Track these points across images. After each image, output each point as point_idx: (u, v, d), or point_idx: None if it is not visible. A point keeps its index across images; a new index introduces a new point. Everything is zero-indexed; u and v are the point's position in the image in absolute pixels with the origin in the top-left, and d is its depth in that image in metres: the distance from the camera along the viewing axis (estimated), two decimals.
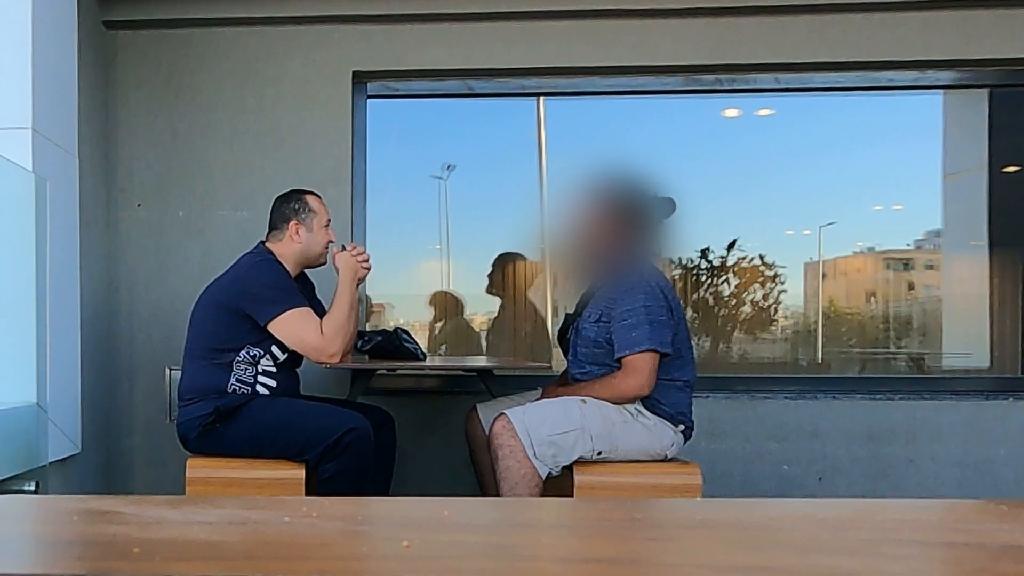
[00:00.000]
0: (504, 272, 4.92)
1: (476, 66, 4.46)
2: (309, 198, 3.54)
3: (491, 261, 4.90)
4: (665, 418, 3.29)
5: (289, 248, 3.47)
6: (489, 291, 4.92)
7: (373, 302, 4.89)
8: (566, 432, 3.17)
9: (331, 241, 3.54)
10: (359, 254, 3.46)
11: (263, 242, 3.53)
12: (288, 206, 3.52)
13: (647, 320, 3.17)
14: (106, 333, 4.40)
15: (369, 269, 3.51)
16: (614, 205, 3.44)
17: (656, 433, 3.27)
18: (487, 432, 3.55)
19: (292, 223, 3.47)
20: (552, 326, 4.95)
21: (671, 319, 3.23)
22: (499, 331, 5.02)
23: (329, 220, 3.55)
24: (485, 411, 3.62)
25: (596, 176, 3.60)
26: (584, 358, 3.37)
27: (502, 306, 4.96)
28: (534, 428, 3.15)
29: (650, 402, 3.27)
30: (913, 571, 0.89)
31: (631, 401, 3.25)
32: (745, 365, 4.98)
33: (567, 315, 3.65)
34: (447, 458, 4.29)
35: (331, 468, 3.21)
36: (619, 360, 3.23)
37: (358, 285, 3.47)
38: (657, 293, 3.22)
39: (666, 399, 3.28)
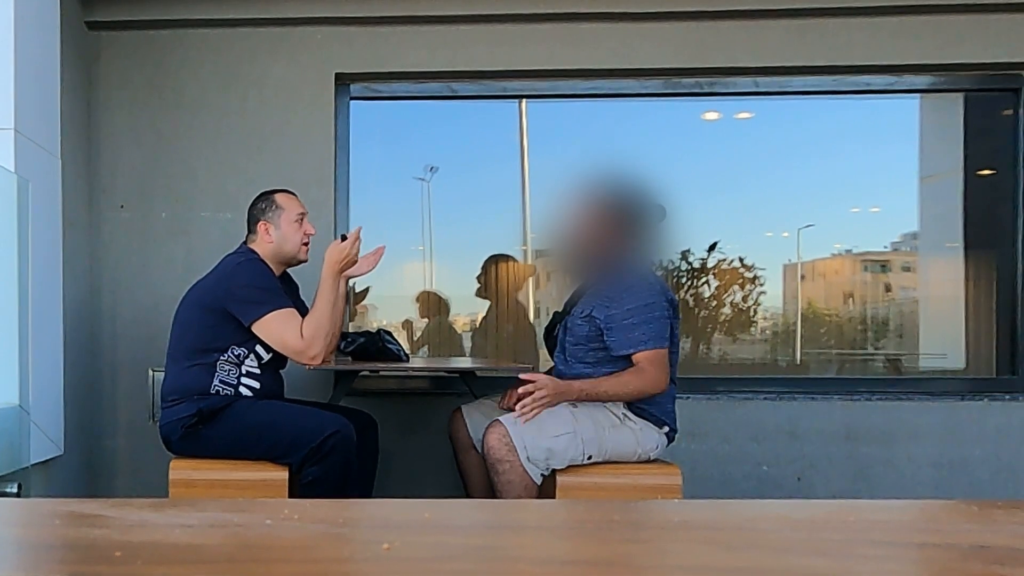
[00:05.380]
0: (494, 274, 4.93)
1: (458, 68, 4.47)
2: (276, 195, 3.52)
3: (477, 263, 4.91)
4: (650, 421, 3.32)
5: (264, 248, 3.46)
6: (479, 294, 4.92)
7: (358, 293, 4.87)
8: (559, 435, 3.18)
9: (308, 234, 3.50)
10: (353, 242, 3.33)
11: (245, 243, 3.53)
12: (257, 207, 3.52)
13: (650, 317, 3.20)
14: (89, 334, 4.38)
15: (355, 262, 3.39)
16: (610, 208, 3.45)
17: (642, 436, 3.30)
18: (471, 436, 3.57)
19: (261, 224, 3.47)
20: (538, 327, 4.96)
21: (671, 317, 3.26)
22: (484, 332, 5.03)
23: (303, 214, 3.51)
24: (469, 412, 3.63)
25: (592, 179, 3.61)
26: (572, 356, 3.39)
27: (490, 308, 4.97)
28: (528, 434, 3.16)
29: (637, 405, 3.30)
30: (884, 571, 0.90)
31: (650, 396, 3.26)
32: (725, 366, 5.01)
33: (555, 313, 3.66)
34: (430, 459, 4.30)
35: (314, 472, 3.21)
36: (627, 358, 3.25)
37: (346, 281, 3.44)
38: (658, 291, 3.25)
39: (655, 399, 3.31)
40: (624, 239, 3.45)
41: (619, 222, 3.45)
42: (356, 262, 3.42)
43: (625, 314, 3.23)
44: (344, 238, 3.38)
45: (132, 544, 0.93)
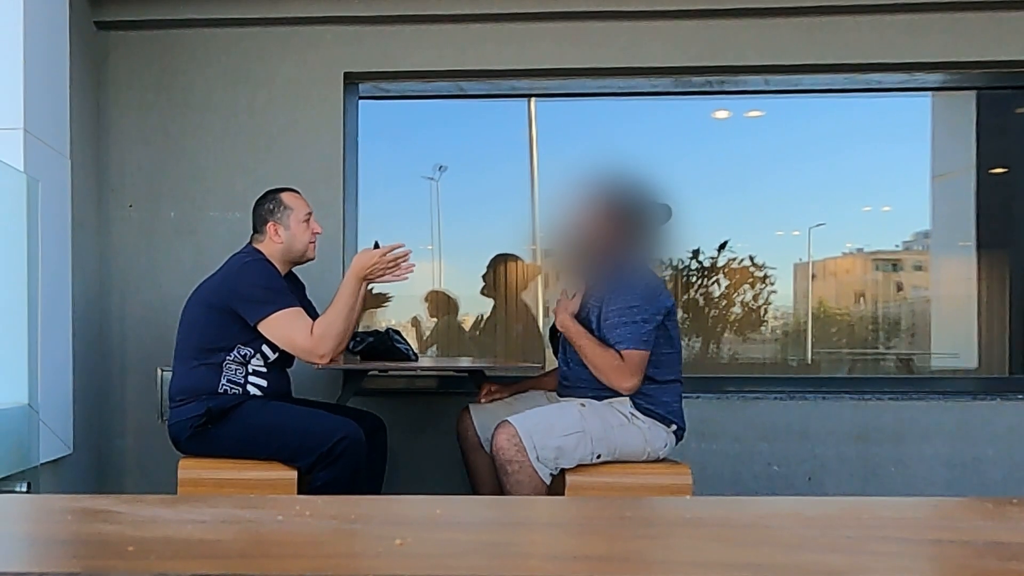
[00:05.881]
0: (500, 273, 4.93)
1: (467, 67, 4.46)
2: (283, 195, 3.51)
3: (485, 262, 4.91)
4: (658, 420, 3.31)
5: (272, 248, 3.45)
6: (484, 292, 4.93)
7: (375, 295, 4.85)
8: (568, 435, 3.18)
9: (316, 232, 3.50)
10: (384, 254, 3.28)
11: (250, 242, 3.53)
12: (264, 207, 3.50)
13: (631, 320, 3.19)
14: (98, 334, 4.39)
15: (381, 274, 3.33)
16: (613, 207, 3.45)
17: (650, 435, 3.29)
18: (479, 436, 3.57)
19: (269, 224, 3.45)
20: (544, 326, 4.96)
21: (658, 321, 3.24)
22: (491, 331, 5.03)
23: (310, 213, 3.50)
24: (477, 412, 3.63)
25: (596, 177, 3.61)
26: (572, 356, 3.39)
27: (495, 307, 4.97)
28: (537, 434, 3.16)
29: (644, 405, 3.29)
30: (899, 568, 0.90)
31: (615, 392, 3.24)
32: (735, 366, 5.00)
33: None
34: (439, 459, 4.29)
35: (323, 476, 3.20)
36: None
37: (366, 286, 3.42)
38: (646, 294, 3.24)
39: (660, 399, 3.30)
40: (627, 239, 3.44)
41: (622, 222, 3.45)
42: (383, 274, 3.37)
43: (608, 314, 3.24)
44: (377, 245, 3.36)
45: (145, 539, 0.93)
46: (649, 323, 3.21)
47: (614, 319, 3.22)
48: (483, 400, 3.68)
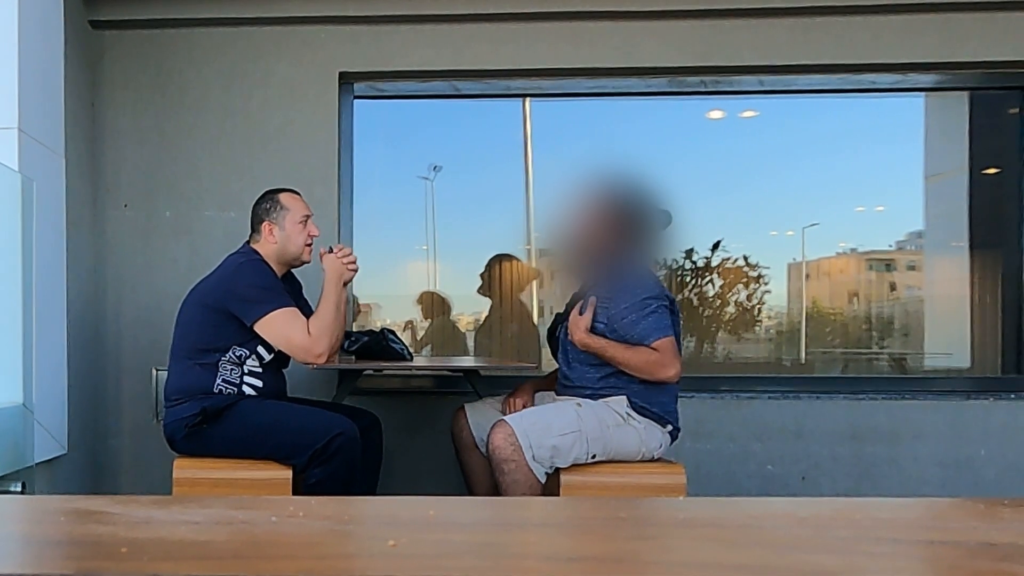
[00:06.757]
0: (497, 273, 4.93)
1: (462, 67, 4.46)
2: (281, 196, 3.51)
3: (483, 262, 4.91)
4: (654, 420, 3.31)
5: (267, 248, 3.45)
6: (480, 291, 4.93)
7: (360, 303, 4.89)
8: (564, 435, 3.18)
9: (312, 235, 3.50)
10: (345, 256, 3.42)
11: (248, 242, 3.52)
12: (261, 207, 3.50)
13: (649, 312, 3.20)
14: (93, 334, 4.38)
15: (355, 271, 3.46)
16: (612, 209, 3.46)
17: (646, 435, 3.29)
18: (474, 435, 3.57)
19: (265, 224, 3.46)
20: (540, 326, 4.96)
21: (670, 311, 3.26)
22: (487, 331, 5.03)
23: (307, 216, 3.49)
24: (472, 412, 3.63)
25: (591, 178, 3.62)
26: (574, 357, 3.39)
27: (492, 307, 4.96)
28: (533, 433, 3.16)
29: (640, 404, 3.29)
30: (892, 568, 0.90)
31: (657, 380, 3.25)
32: (729, 365, 5.00)
33: (557, 315, 3.66)
34: (434, 458, 4.29)
35: (318, 473, 3.21)
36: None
37: (345, 286, 3.45)
38: (653, 285, 3.26)
39: (657, 399, 3.31)
40: (627, 243, 3.45)
41: (622, 226, 3.46)
42: (355, 270, 3.46)
43: (622, 312, 3.24)
44: (331, 250, 3.43)
45: (138, 540, 0.93)
46: (667, 311, 3.24)
47: (632, 316, 3.22)
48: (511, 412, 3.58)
